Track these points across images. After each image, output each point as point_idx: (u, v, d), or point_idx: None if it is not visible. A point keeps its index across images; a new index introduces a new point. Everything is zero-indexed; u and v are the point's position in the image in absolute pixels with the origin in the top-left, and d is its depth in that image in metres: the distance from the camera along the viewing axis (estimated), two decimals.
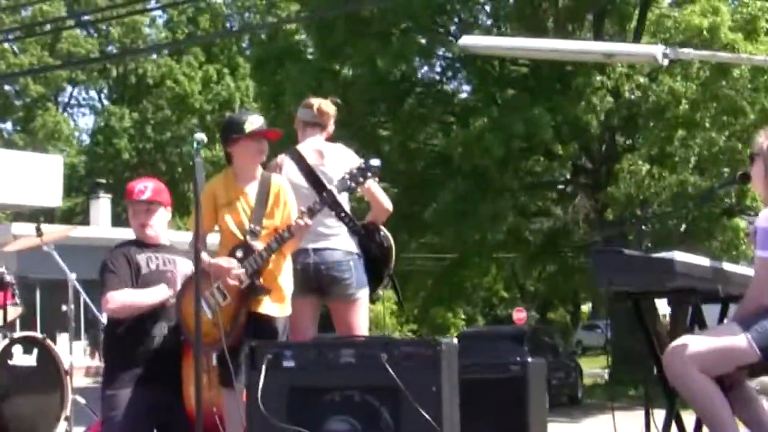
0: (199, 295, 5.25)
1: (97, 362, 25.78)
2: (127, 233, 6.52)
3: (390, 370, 4.42)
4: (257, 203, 5.80)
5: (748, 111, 18.49)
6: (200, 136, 5.43)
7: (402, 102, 20.20)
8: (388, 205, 6.55)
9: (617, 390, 18.62)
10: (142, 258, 6.07)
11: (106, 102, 54.97)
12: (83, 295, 8.27)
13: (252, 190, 5.84)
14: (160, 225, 6.28)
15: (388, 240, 6.61)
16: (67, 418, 7.54)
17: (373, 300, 6.68)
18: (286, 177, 6.12)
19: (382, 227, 6.60)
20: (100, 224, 33.43)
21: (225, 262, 5.62)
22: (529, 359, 6.43)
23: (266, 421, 4.50)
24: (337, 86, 21.52)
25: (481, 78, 20.80)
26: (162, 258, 6.17)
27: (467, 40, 8.78)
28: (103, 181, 39.58)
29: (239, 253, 5.69)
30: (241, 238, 5.72)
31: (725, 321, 5.02)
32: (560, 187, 24.00)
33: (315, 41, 21.61)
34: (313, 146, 6.43)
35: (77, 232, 12.11)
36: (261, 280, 5.69)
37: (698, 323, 5.14)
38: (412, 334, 36.79)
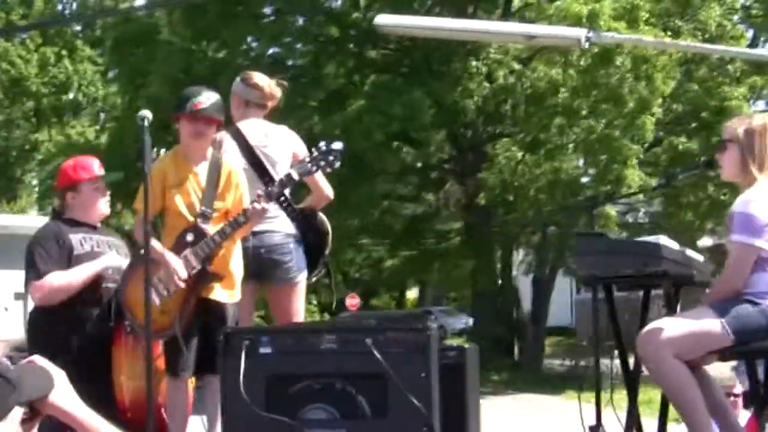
0: (149, 279, 4.92)
1: None
2: None
3: (378, 355, 4.20)
4: (208, 185, 5.50)
5: (628, 99, 18.83)
6: (145, 112, 5.10)
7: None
8: (329, 192, 6.37)
9: (482, 375, 18.80)
10: (75, 238, 5.69)
11: None
12: None
13: (202, 170, 5.53)
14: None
15: (324, 225, 6.42)
16: None
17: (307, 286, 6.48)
18: None
19: (319, 212, 6.42)
20: None
21: (174, 262, 5.30)
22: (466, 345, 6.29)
23: (246, 409, 4.22)
24: (207, 69, 21.12)
25: (357, 60, 20.63)
26: (96, 239, 5.82)
27: (382, 19, 8.56)
28: None
29: (189, 237, 5.41)
30: (191, 219, 5.42)
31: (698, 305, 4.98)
32: (431, 173, 24.10)
33: (184, 22, 21.07)
34: (256, 126, 6.19)
35: None
36: (212, 266, 5.42)
37: (670, 309, 5.11)
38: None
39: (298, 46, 20.29)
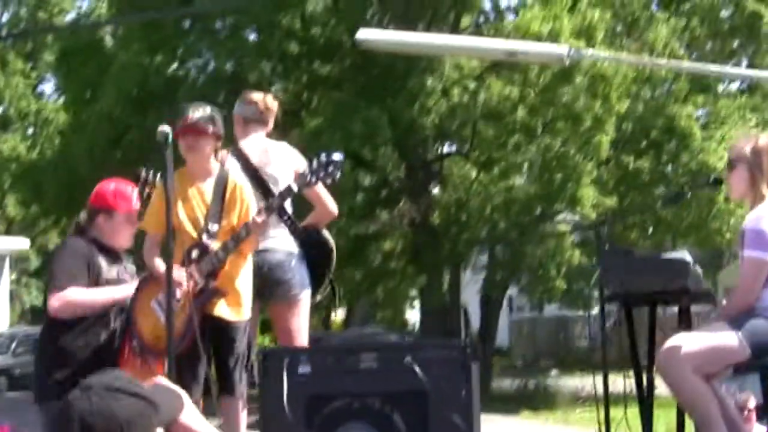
0: (171, 296, 4.81)
1: None
2: None
3: (420, 374, 4.14)
4: (213, 201, 5.45)
5: (585, 118, 18.96)
6: (165, 128, 4.98)
7: (231, 103, 19.63)
8: (334, 208, 6.32)
9: None
10: (104, 262, 5.57)
11: None
12: None
13: (208, 187, 5.48)
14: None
15: (328, 242, 6.36)
16: None
17: (313, 305, 6.39)
18: None
19: (323, 229, 6.35)
20: None
21: (176, 274, 5.19)
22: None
23: (287, 429, 4.13)
24: (163, 84, 20.88)
25: (310, 77, 20.56)
26: (121, 266, 5.71)
27: (365, 34, 8.53)
28: None
29: (194, 254, 5.36)
30: (195, 236, 5.34)
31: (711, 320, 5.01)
32: (382, 191, 24.02)
33: (138, 36, 20.83)
34: (257, 144, 6.16)
35: None
36: (216, 282, 5.32)
37: (686, 324, 5.14)
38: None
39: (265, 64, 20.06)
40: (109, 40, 25.03)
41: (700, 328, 4.89)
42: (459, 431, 4.16)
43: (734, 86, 25.33)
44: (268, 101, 6.28)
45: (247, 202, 5.49)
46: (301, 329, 6.15)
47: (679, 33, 22.68)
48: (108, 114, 21.03)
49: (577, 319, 33.14)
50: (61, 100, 34.59)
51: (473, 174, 20.15)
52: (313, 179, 5.45)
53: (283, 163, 6.16)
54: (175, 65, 21.32)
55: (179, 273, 5.17)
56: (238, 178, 5.60)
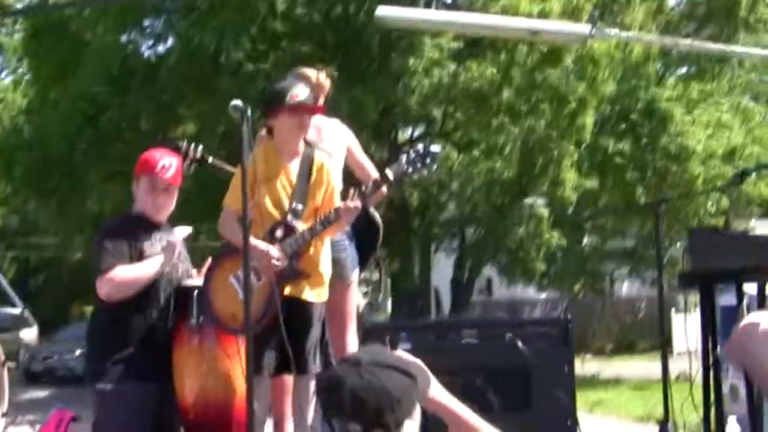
0: (248, 274, 4.71)
1: None
2: None
3: (523, 349, 4.13)
4: (299, 181, 5.37)
5: (571, 100, 19.02)
6: (238, 102, 4.85)
7: (213, 81, 19.56)
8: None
9: None
10: (146, 240, 5.45)
11: None
12: None
13: (294, 166, 5.40)
14: (171, 209, 5.66)
15: (376, 221, 6.31)
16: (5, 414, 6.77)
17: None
18: None
19: (371, 208, 6.30)
20: None
21: (262, 245, 5.13)
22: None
23: None
24: (143, 63, 20.66)
25: (293, 56, 20.38)
26: (164, 237, 5.57)
27: (384, 11, 8.45)
28: None
29: (279, 233, 5.26)
30: (277, 216, 5.26)
31: None
32: None
33: (113, 14, 20.56)
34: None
35: None
36: (301, 263, 5.26)
37: (763, 303, 5.13)
38: None
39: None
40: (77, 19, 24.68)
41: None
42: (562, 406, 4.16)
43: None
44: (321, 78, 6.19)
45: (333, 183, 5.44)
46: (351, 309, 6.14)
47: (654, 16, 22.82)
48: (82, 94, 20.79)
49: (527, 303, 33.09)
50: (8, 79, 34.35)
51: (454, 155, 20.12)
52: (410, 169, 5.38)
53: (337, 139, 6.11)
54: (150, 42, 21.15)
55: (273, 250, 5.09)
56: (324, 158, 5.51)
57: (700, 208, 21.05)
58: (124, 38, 21.18)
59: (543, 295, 32.65)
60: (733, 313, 5.15)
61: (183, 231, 5.62)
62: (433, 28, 10.41)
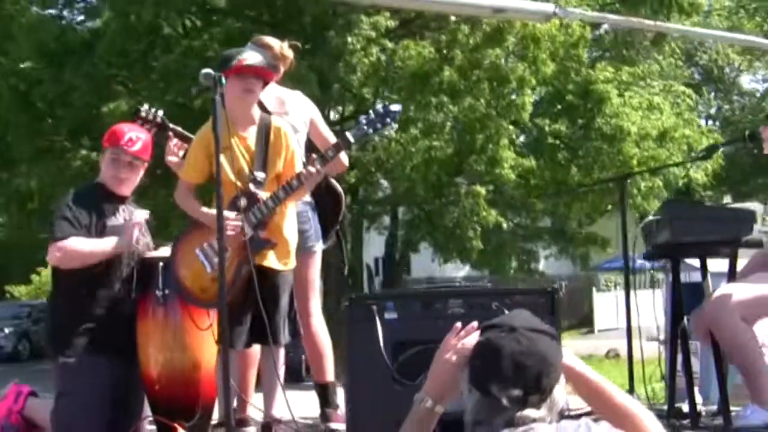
0: (223, 247, 4.63)
1: None
2: None
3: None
4: (257, 148, 5.27)
5: (512, 79, 19.07)
6: (210, 71, 4.77)
7: (149, 57, 19.29)
8: (346, 159, 6.18)
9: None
10: (110, 213, 5.42)
11: None
12: None
13: (251, 134, 5.30)
14: (135, 183, 5.62)
15: (337, 191, 6.24)
16: None
17: None
18: None
19: (331, 178, 6.23)
20: None
21: (226, 215, 5.05)
22: None
23: (374, 375, 4.06)
24: (79, 38, 20.30)
25: (227, 33, 20.14)
26: (128, 211, 5.53)
27: None
28: None
29: (242, 203, 5.15)
30: (240, 185, 5.16)
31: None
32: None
33: None
34: (271, 93, 5.90)
35: None
36: (265, 232, 5.20)
37: (732, 275, 5.21)
38: None
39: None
40: None
41: (747, 279, 4.97)
42: None
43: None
44: (284, 49, 6.05)
45: (292, 148, 5.34)
46: (315, 280, 6.07)
47: None
48: (14, 69, 20.42)
49: (443, 282, 33.20)
50: None
51: (392, 134, 20.01)
52: (370, 130, 5.33)
53: (301, 111, 6.02)
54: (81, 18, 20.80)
55: (235, 220, 5.04)
56: (281, 123, 5.44)
57: (633, 188, 21.27)
58: (57, 12, 20.76)
59: (461, 273, 32.85)
60: (695, 288, 5.23)
61: (142, 214, 5.55)
62: (396, 4, 10.29)
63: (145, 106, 5.86)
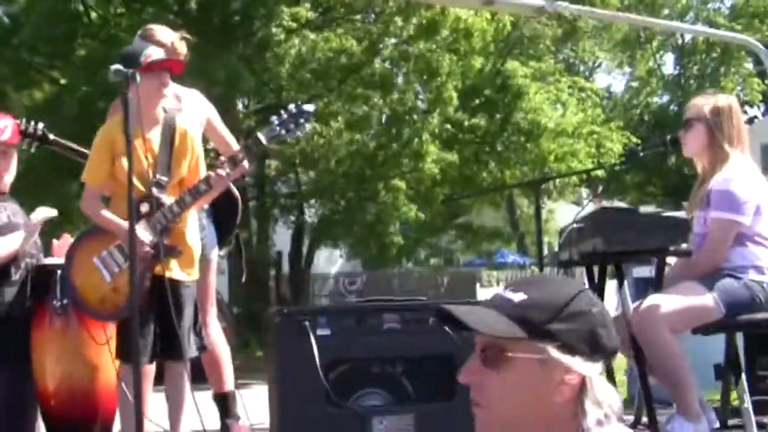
0: (134, 254, 4.38)
1: None
2: None
3: (451, 334, 3.85)
4: (161, 150, 4.97)
5: (441, 73, 18.91)
6: (119, 67, 4.49)
7: (72, 45, 18.73)
8: (247, 164, 5.91)
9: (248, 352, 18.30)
10: None
11: None
12: None
13: (155, 135, 4.99)
14: (12, 173, 5.37)
15: (234, 195, 5.98)
16: None
17: None
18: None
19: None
20: None
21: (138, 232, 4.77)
22: None
23: (305, 393, 3.84)
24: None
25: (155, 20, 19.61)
26: (11, 208, 5.28)
27: None
28: None
29: (144, 208, 4.87)
30: (143, 190, 4.86)
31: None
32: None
33: None
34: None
35: None
36: (169, 239, 4.92)
37: (659, 285, 5.10)
38: None
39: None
40: None
41: (673, 289, 4.88)
42: None
43: None
44: (176, 43, 5.56)
45: (198, 151, 5.07)
46: (211, 290, 5.87)
47: None
48: None
49: (316, 278, 32.90)
50: None
51: (317, 126, 19.75)
52: (283, 131, 5.09)
53: (195, 110, 5.75)
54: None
55: (141, 231, 4.75)
56: (187, 125, 5.16)
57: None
58: None
59: (334, 269, 32.92)
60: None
61: (46, 212, 5.28)
62: None
63: (24, 121, 5.59)
